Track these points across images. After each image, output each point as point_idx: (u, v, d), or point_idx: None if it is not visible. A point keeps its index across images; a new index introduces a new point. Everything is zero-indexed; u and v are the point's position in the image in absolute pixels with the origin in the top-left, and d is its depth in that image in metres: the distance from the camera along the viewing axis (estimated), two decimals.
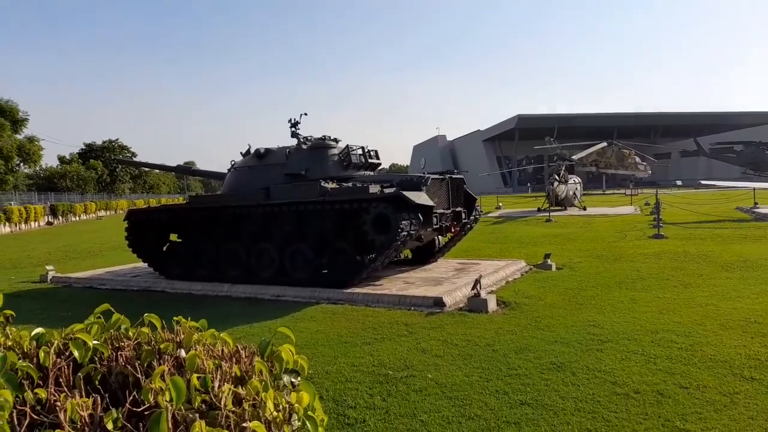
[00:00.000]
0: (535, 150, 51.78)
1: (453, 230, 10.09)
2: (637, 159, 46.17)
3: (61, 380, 1.51)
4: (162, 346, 1.71)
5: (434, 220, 9.04)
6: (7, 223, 31.85)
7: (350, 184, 9.36)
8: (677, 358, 4.97)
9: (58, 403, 1.36)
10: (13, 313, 1.77)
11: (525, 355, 5.25)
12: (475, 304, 7.15)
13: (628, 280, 8.79)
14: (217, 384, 1.49)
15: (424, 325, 6.53)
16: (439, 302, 7.44)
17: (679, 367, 4.76)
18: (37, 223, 35.80)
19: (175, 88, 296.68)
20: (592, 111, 67.76)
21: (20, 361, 1.50)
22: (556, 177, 25.25)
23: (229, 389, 1.46)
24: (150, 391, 1.39)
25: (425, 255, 11.14)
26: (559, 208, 25.25)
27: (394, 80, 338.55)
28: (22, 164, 48.20)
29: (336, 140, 10.51)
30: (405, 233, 8.23)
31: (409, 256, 11.50)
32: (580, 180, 28.64)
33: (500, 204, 29.86)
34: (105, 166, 66.55)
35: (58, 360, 1.56)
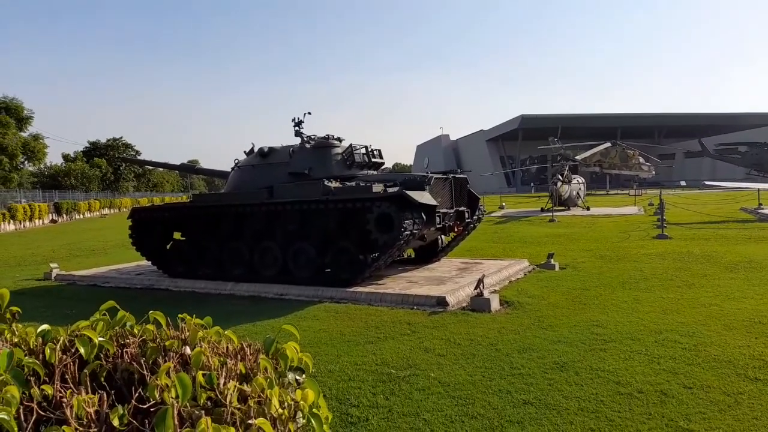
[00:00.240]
0: (538, 150, 51.68)
1: (456, 230, 10.08)
2: (641, 159, 46.00)
3: (67, 377, 1.51)
4: (167, 343, 1.71)
5: (437, 219, 9.03)
6: (11, 221, 31.97)
7: (353, 184, 9.36)
8: (681, 358, 4.95)
9: (65, 400, 1.37)
10: (19, 309, 1.78)
11: (528, 354, 5.24)
12: (478, 304, 7.15)
13: (632, 280, 8.77)
14: (222, 381, 1.50)
15: (427, 324, 6.53)
16: (442, 301, 7.44)
17: (683, 367, 4.74)
18: (41, 220, 35.93)
19: (176, 87, 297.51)
20: (595, 111, 67.64)
21: (27, 357, 1.50)
22: (560, 177, 25.19)
23: (235, 386, 1.47)
24: (156, 387, 1.39)
25: (428, 254, 11.13)
26: (563, 208, 25.20)
27: (395, 80, 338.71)
28: (26, 162, 48.40)
29: (339, 139, 10.52)
30: (408, 232, 8.22)
31: (412, 256, 11.49)
32: (583, 180, 28.58)
33: (503, 204, 29.82)
34: (109, 164, 66.76)
35: (64, 357, 1.56)
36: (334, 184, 9.12)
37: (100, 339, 1.64)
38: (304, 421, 1.53)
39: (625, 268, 9.82)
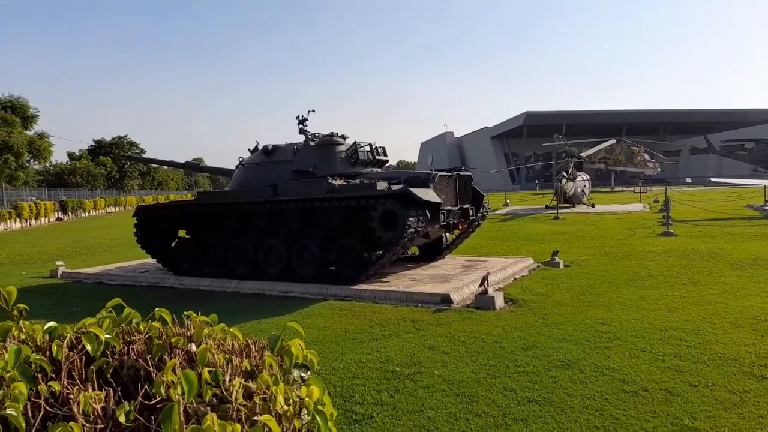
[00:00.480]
0: (543, 147, 51.55)
1: (460, 227, 10.07)
2: (647, 156, 45.77)
3: (73, 373, 1.52)
4: (173, 340, 1.72)
5: (441, 217, 9.03)
6: (17, 219, 32.13)
7: (358, 181, 9.37)
8: (686, 356, 4.94)
9: (71, 396, 1.38)
10: (26, 307, 1.79)
11: (532, 352, 5.24)
12: (482, 301, 7.15)
13: (637, 277, 8.75)
14: (227, 378, 1.50)
15: (431, 321, 6.54)
16: (446, 299, 7.44)
17: (688, 365, 4.73)
18: (47, 219, 36.07)
19: (176, 87, 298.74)
20: (600, 108, 67.34)
21: (34, 354, 1.51)
22: (565, 174, 25.09)
23: (240, 383, 1.47)
24: (162, 384, 1.40)
25: (432, 252, 11.13)
26: (568, 205, 25.13)
27: (395, 80, 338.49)
28: (32, 160, 48.57)
29: (343, 137, 10.52)
30: (412, 230, 8.22)
31: (417, 253, 11.50)
32: (588, 177, 28.46)
33: (508, 201, 29.77)
34: (114, 162, 66.95)
35: (71, 353, 1.57)
36: (338, 182, 9.12)
37: (107, 336, 1.65)
38: (309, 417, 1.54)
39: (630, 266, 9.79)
